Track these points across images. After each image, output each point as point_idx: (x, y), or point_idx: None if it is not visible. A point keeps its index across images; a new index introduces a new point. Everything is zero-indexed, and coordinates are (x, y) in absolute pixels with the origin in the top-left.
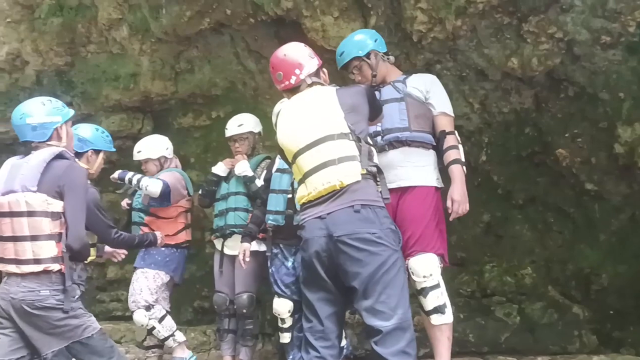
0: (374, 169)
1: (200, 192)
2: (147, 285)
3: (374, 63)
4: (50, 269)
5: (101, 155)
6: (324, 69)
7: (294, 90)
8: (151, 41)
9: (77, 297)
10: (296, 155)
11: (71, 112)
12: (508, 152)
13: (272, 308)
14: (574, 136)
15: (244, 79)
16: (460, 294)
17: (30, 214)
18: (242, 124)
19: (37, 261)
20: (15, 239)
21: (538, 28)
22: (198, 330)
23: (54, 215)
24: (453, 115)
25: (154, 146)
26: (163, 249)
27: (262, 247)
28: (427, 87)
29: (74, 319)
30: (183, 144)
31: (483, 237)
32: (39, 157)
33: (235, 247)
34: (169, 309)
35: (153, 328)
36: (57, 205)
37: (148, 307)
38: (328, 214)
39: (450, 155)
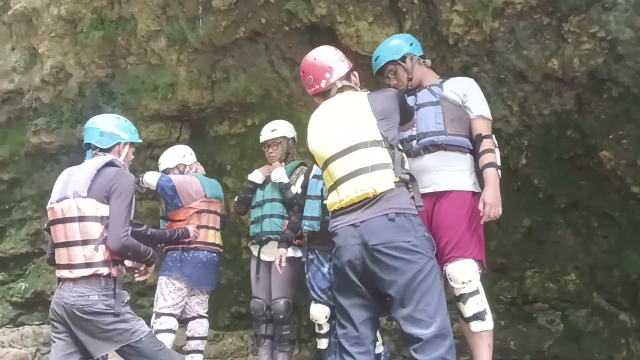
0: (407, 177)
1: (236, 199)
2: (161, 293)
3: (409, 66)
4: (100, 272)
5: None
6: (355, 72)
7: (324, 94)
8: (188, 51)
9: (125, 301)
10: (327, 162)
11: (138, 138)
12: (549, 155)
13: (309, 314)
14: (618, 138)
15: (279, 86)
16: (501, 300)
17: (81, 218)
18: (276, 129)
19: (88, 265)
20: (68, 244)
21: (579, 28)
22: (235, 336)
23: (104, 220)
24: (491, 118)
25: (170, 156)
26: (174, 254)
27: (298, 253)
28: (464, 90)
29: (123, 323)
30: (219, 152)
31: (524, 242)
32: (91, 164)
33: (271, 253)
34: (205, 314)
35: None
36: (105, 210)
37: (157, 315)
38: (362, 222)
39: (485, 159)
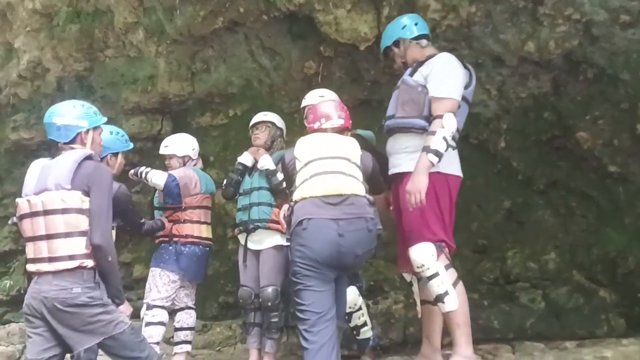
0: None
1: (225, 182)
2: (154, 284)
3: (402, 51)
4: (84, 264)
5: (120, 156)
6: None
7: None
8: (167, 43)
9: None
10: (309, 162)
11: (101, 119)
12: (527, 137)
13: None
14: (594, 118)
15: (259, 76)
16: (483, 281)
17: (65, 211)
18: (267, 114)
19: (71, 257)
20: (49, 237)
21: (554, 10)
22: (223, 325)
23: (88, 212)
24: (446, 96)
25: (181, 144)
26: (170, 247)
27: (286, 242)
28: (429, 70)
29: (106, 315)
30: (202, 143)
31: (504, 223)
32: (71, 157)
33: (259, 241)
34: (192, 305)
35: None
36: (89, 203)
37: (148, 307)
38: (346, 231)
39: (424, 143)
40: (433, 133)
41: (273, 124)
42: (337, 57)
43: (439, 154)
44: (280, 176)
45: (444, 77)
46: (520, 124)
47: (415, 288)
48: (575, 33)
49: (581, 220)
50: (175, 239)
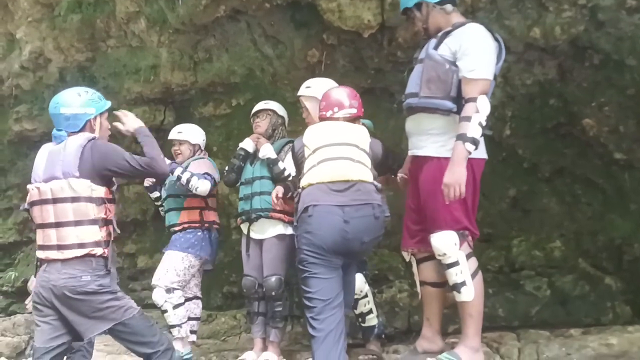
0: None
1: (226, 169)
2: (173, 267)
3: (424, 15)
4: (94, 252)
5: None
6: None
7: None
8: (169, 32)
9: (117, 281)
10: (317, 149)
11: (107, 104)
12: (533, 124)
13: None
14: (600, 105)
15: (262, 65)
16: (488, 269)
17: (74, 199)
18: (268, 102)
19: (81, 245)
20: (58, 224)
21: None
22: (228, 315)
23: (98, 201)
24: (480, 77)
25: (194, 132)
26: (200, 232)
27: (289, 230)
28: (458, 45)
29: (116, 301)
30: (205, 133)
31: (510, 212)
32: (75, 142)
33: (261, 231)
34: (199, 295)
35: (166, 311)
36: (99, 191)
37: (168, 290)
38: (352, 218)
39: (458, 129)
40: (467, 119)
41: (274, 112)
42: (340, 45)
43: (475, 142)
44: (281, 165)
45: (477, 56)
46: (525, 111)
47: (414, 269)
48: (581, 18)
49: (587, 207)
50: (206, 225)
